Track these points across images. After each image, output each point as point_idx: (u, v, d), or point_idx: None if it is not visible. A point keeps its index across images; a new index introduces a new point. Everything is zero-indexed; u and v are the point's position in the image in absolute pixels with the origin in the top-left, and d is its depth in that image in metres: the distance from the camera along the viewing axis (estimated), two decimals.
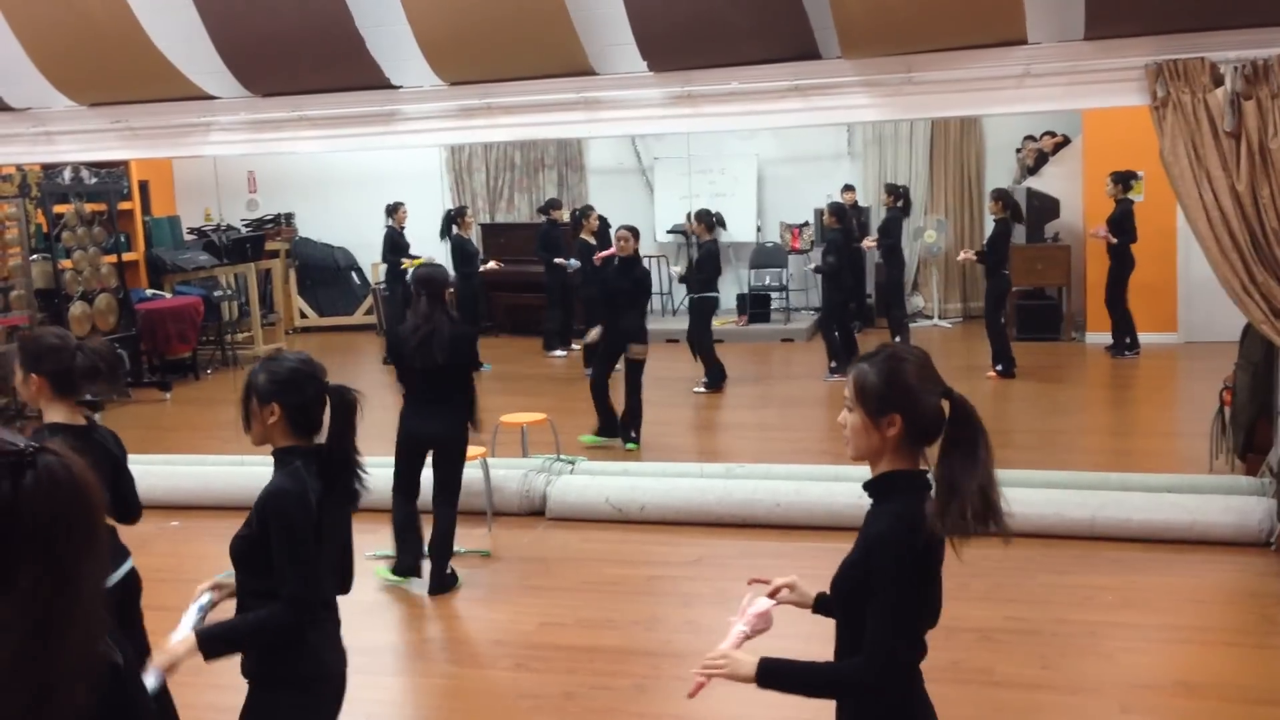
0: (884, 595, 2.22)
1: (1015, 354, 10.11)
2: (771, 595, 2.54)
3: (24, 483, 1.39)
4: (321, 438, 2.91)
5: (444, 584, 5.61)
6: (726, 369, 9.99)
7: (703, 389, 9.83)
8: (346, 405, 2.86)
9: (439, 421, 5.52)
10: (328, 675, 2.86)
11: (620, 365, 8.08)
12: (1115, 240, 10.35)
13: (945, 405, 2.32)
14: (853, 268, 11.10)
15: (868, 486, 2.36)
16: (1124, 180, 10.34)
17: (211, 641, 2.72)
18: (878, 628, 2.23)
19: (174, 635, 2.72)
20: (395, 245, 11.71)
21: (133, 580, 3.62)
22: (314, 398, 2.85)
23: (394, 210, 11.84)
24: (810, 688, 2.38)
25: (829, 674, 2.32)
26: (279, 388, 2.84)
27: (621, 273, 8.12)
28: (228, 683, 2.96)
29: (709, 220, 10.27)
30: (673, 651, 4.86)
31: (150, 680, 2.28)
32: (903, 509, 2.26)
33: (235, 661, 2.82)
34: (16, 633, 1.38)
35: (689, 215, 10.62)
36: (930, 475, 2.32)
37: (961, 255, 10.91)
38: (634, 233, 8.18)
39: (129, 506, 3.61)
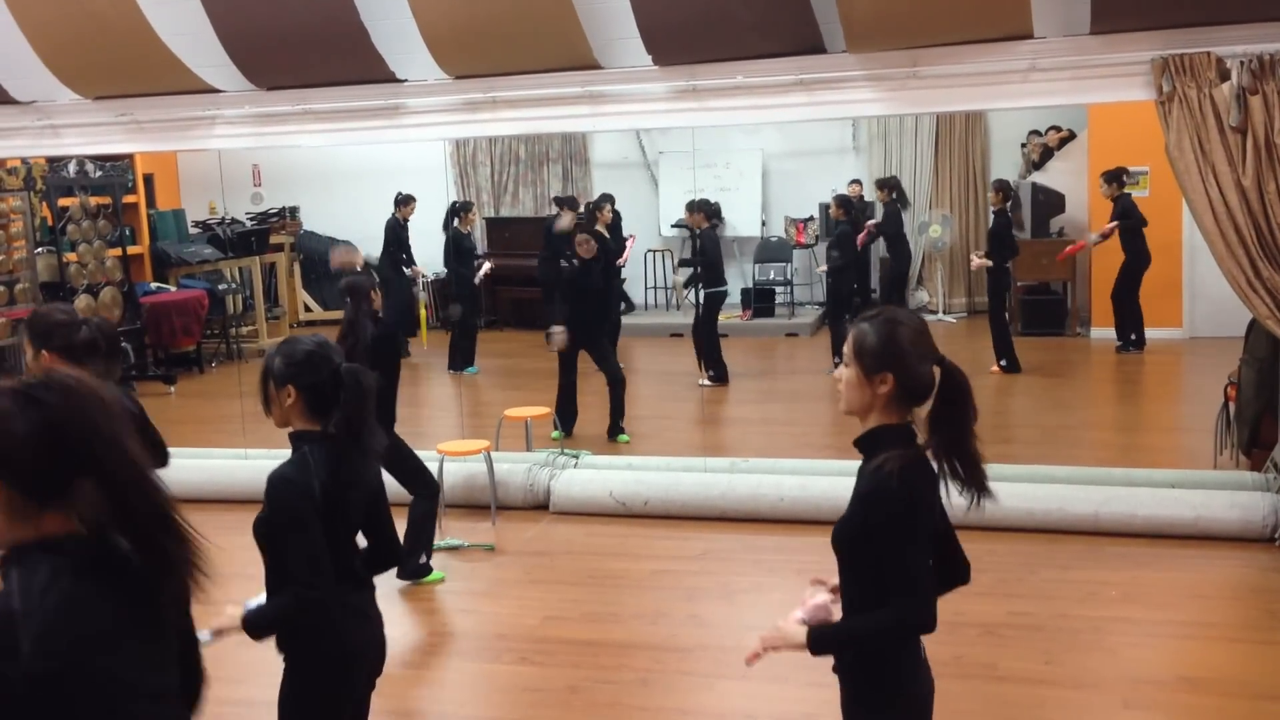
0: (891, 549, 2.34)
1: (1020, 349, 10.09)
2: (831, 592, 2.59)
3: (49, 402, 1.62)
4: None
5: (414, 572, 5.63)
6: (729, 365, 9.98)
7: (709, 382, 9.84)
8: (360, 387, 2.87)
9: None
10: (352, 653, 2.89)
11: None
12: (1110, 230, 10.36)
13: (937, 372, 2.43)
14: (858, 261, 11.09)
15: (858, 442, 2.48)
16: (1115, 178, 10.33)
17: (251, 627, 2.83)
18: (898, 576, 2.35)
19: None
20: (395, 237, 11.71)
21: None
22: (329, 379, 2.87)
23: (403, 202, 11.83)
24: (859, 641, 2.46)
25: (871, 626, 2.41)
26: (295, 370, 2.87)
27: (583, 273, 8.20)
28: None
29: (707, 209, 10.25)
30: (676, 646, 4.87)
31: (203, 636, 2.35)
32: (885, 463, 2.35)
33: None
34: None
35: (687, 206, 10.57)
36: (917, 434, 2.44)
37: (975, 263, 10.57)
38: (595, 235, 8.25)
39: (159, 451, 3.64)
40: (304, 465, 2.81)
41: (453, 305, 10.97)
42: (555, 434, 8.06)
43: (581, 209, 12.25)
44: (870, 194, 13.28)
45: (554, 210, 12.23)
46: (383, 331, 5.56)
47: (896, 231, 11.49)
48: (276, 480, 2.81)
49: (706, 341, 9.89)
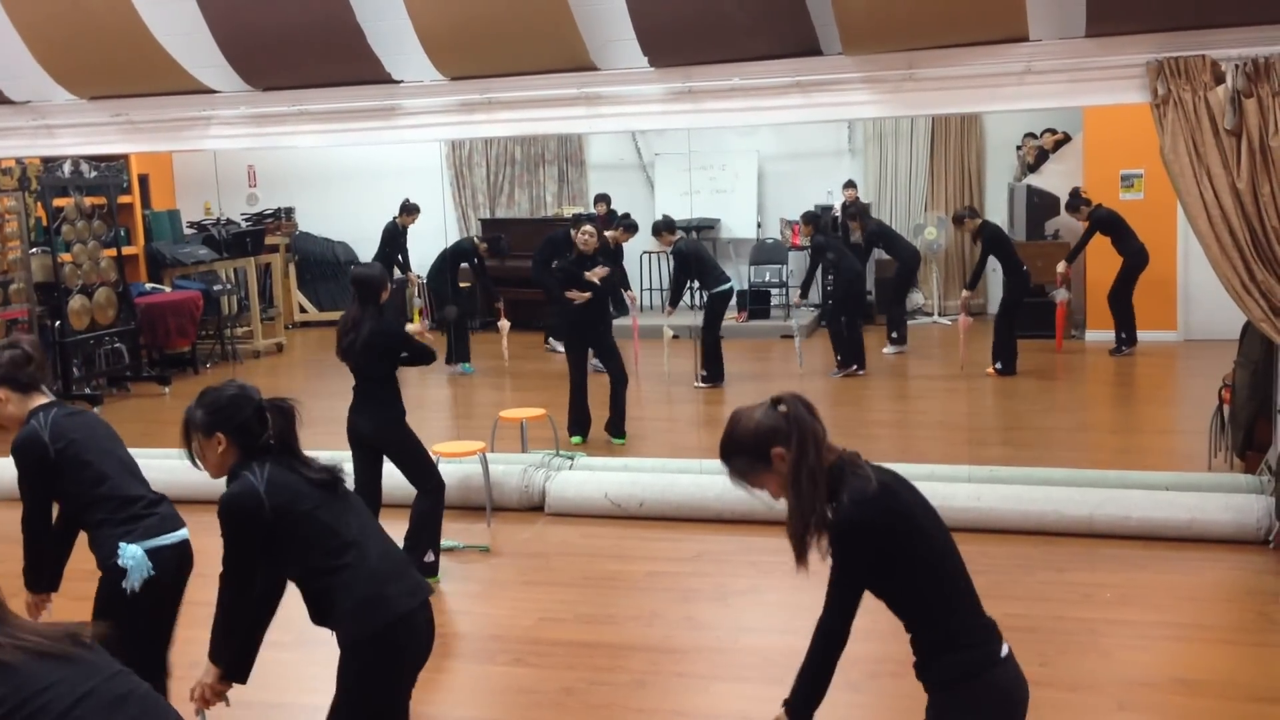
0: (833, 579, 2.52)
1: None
2: None
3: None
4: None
5: (421, 570, 5.60)
6: (726, 366, 9.98)
7: (703, 384, 9.84)
8: (285, 414, 3.06)
9: (365, 416, 5.55)
10: (373, 634, 2.96)
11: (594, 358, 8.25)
12: (1065, 274, 10.67)
13: (782, 409, 2.53)
14: (850, 265, 11.10)
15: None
16: (1075, 206, 10.48)
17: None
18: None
19: None
20: (392, 240, 11.70)
21: (185, 551, 3.66)
22: (254, 417, 3.04)
23: (407, 211, 11.84)
24: (814, 672, 2.57)
25: (813, 654, 2.56)
26: (219, 416, 3.03)
27: (584, 268, 8.23)
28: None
29: (669, 225, 10.24)
30: (672, 647, 4.87)
31: None
32: (835, 511, 2.49)
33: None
34: None
35: (652, 231, 10.47)
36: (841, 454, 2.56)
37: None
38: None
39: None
40: (245, 482, 2.99)
41: (448, 307, 10.96)
42: (575, 439, 8.03)
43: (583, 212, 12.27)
44: (869, 194, 13.32)
45: (559, 214, 12.14)
46: (383, 327, 5.56)
47: (889, 240, 11.43)
48: (222, 502, 3.00)
49: (708, 342, 9.89)
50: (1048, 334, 11.45)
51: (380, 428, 5.54)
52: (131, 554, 3.48)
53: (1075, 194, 10.52)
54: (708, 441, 8.40)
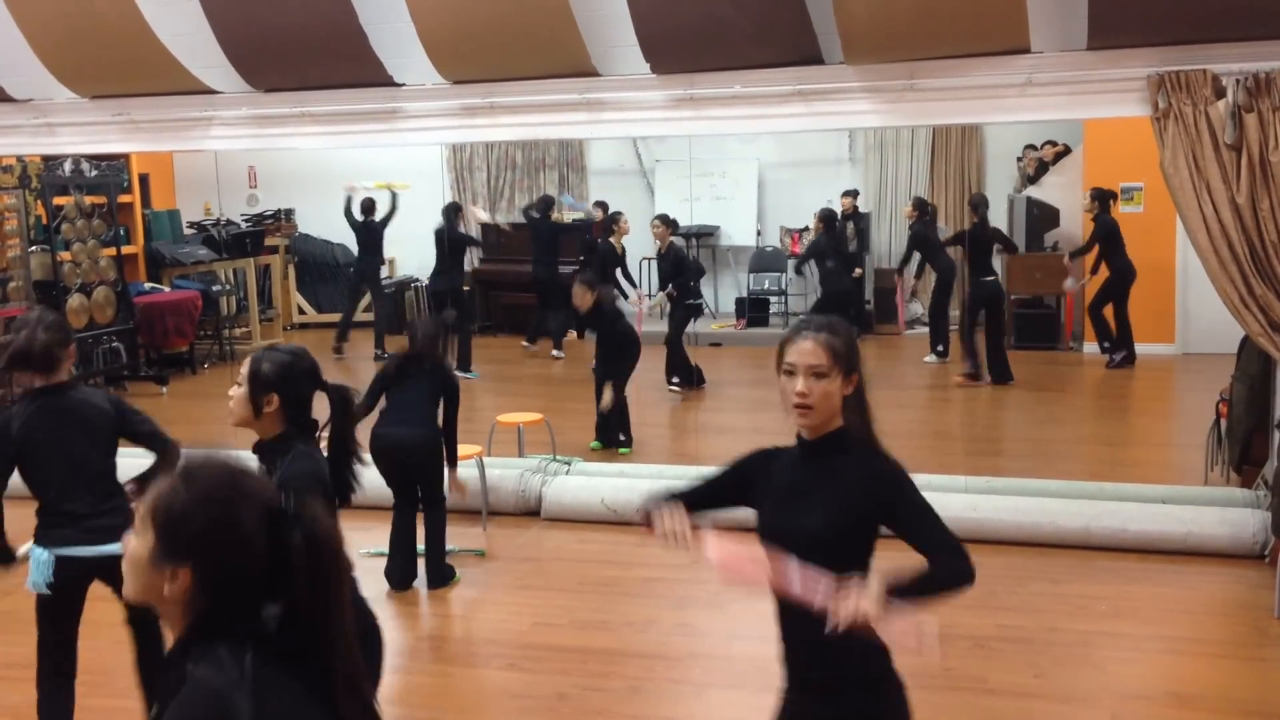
0: (924, 510, 2.45)
1: (1013, 362, 10.11)
2: None
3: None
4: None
5: (446, 577, 5.71)
6: (721, 374, 9.97)
7: (676, 388, 9.83)
8: (344, 402, 3.03)
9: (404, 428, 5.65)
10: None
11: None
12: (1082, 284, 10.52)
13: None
14: (845, 272, 11.11)
15: (824, 444, 2.50)
16: (1102, 198, 10.36)
17: None
18: (936, 531, 2.45)
19: None
20: (364, 232, 11.78)
21: (105, 565, 3.66)
22: (310, 392, 3.03)
23: (367, 207, 11.89)
24: (933, 593, 2.44)
25: (939, 578, 2.44)
26: (281, 378, 3.00)
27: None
28: None
29: (673, 223, 10.26)
30: (666, 654, 4.86)
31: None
32: (879, 448, 2.50)
33: None
34: None
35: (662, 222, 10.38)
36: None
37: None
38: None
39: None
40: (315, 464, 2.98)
41: (447, 311, 10.95)
42: (624, 450, 8.02)
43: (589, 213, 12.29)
44: (869, 204, 13.31)
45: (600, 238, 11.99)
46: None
47: (931, 251, 11.26)
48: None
49: (679, 349, 9.86)
50: (1045, 345, 11.47)
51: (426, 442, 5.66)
52: (37, 556, 3.57)
53: (1109, 193, 10.45)
54: (704, 449, 8.41)
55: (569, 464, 7.06)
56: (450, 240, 11.30)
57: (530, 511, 6.71)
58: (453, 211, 11.53)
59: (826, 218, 10.79)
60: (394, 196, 12.08)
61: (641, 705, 4.45)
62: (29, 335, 3.65)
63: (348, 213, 11.94)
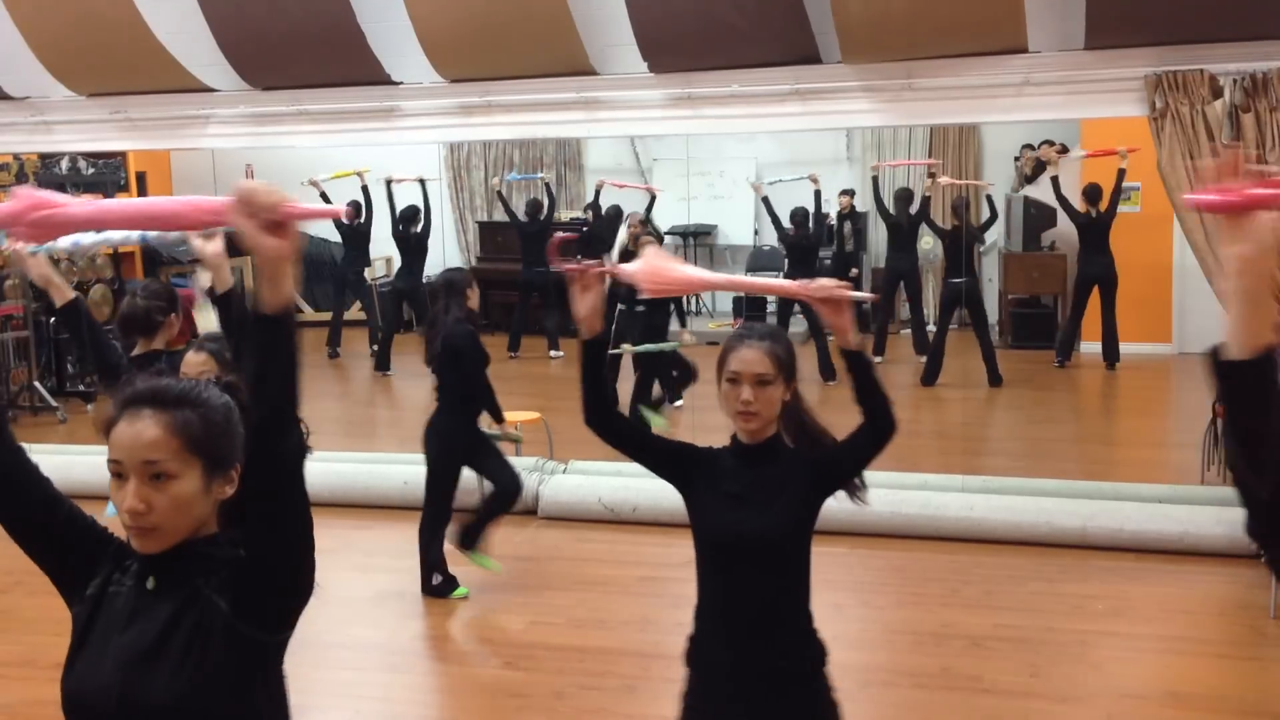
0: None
1: (1010, 362, 10.12)
2: None
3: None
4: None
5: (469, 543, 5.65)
6: (710, 371, 9.91)
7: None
8: None
9: (430, 428, 5.58)
10: None
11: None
12: None
13: None
14: (839, 273, 11.08)
15: (761, 449, 2.62)
16: (1091, 196, 10.36)
17: None
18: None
19: None
20: (349, 231, 11.70)
21: None
22: None
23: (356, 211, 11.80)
24: (879, 386, 2.59)
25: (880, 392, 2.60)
26: None
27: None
28: None
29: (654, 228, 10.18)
30: (663, 653, 4.85)
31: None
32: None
33: None
34: None
35: (636, 225, 10.05)
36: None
37: None
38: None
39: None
40: None
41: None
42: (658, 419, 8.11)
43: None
44: (866, 204, 13.29)
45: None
46: (460, 329, 5.46)
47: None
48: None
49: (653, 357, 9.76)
50: (1042, 344, 11.46)
51: (435, 444, 5.59)
52: (110, 514, 3.67)
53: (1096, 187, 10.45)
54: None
55: (565, 463, 7.05)
56: (409, 237, 11.36)
57: (527, 511, 6.70)
58: (411, 213, 11.56)
59: (798, 219, 10.66)
60: (384, 188, 11.97)
61: (638, 704, 4.45)
62: (130, 300, 3.92)
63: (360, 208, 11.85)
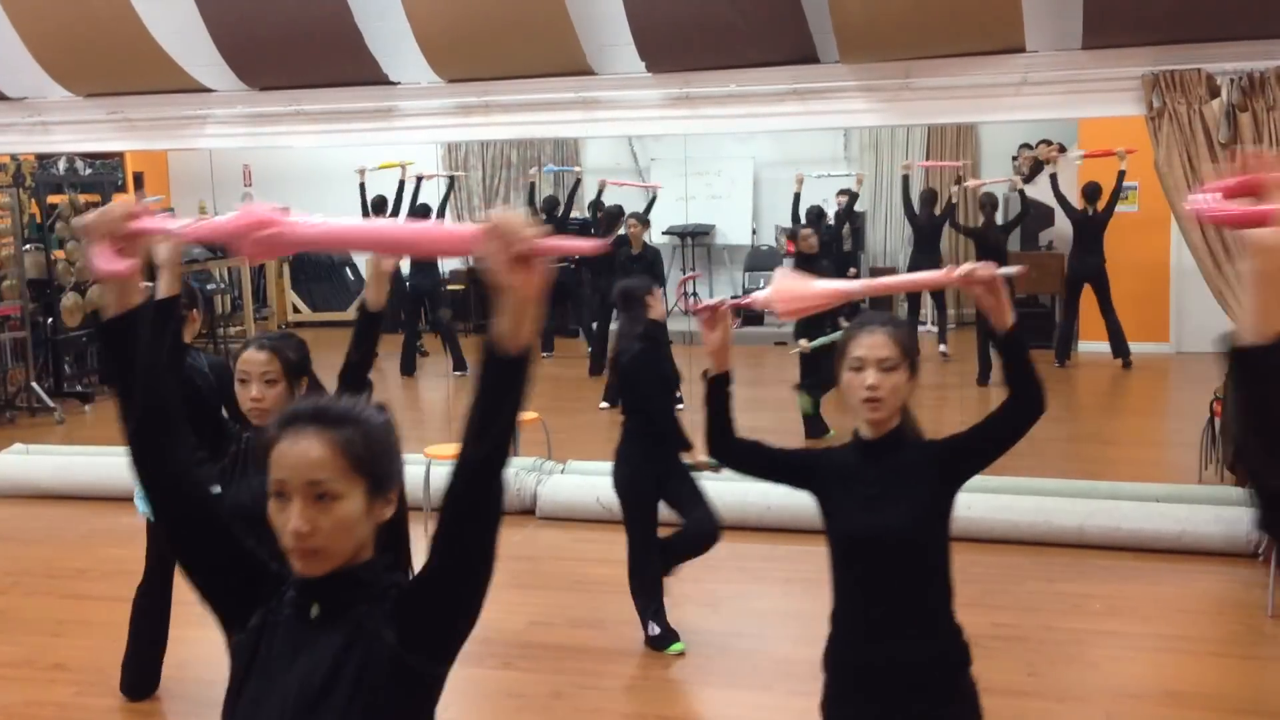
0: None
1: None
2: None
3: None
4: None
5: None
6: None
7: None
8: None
9: (616, 459, 4.97)
10: None
11: None
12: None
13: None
14: (837, 270, 11.08)
15: (885, 443, 2.52)
16: (1090, 194, 10.35)
17: None
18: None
19: None
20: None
21: None
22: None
23: (378, 205, 11.81)
24: (1034, 367, 2.66)
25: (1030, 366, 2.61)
26: (307, 362, 3.23)
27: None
28: None
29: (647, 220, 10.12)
30: (661, 652, 4.86)
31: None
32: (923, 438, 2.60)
33: None
34: None
35: (633, 219, 10.08)
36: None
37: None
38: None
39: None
40: None
41: (442, 310, 10.96)
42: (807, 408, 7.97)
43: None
44: (864, 202, 13.31)
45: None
46: (631, 350, 4.85)
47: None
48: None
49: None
50: (1040, 344, 11.47)
51: (622, 474, 4.98)
52: (140, 494, 3.75)
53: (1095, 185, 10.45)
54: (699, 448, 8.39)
55: (564, 463, 7.05)
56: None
57: (525, 510, 6.71)
58: (424, 210, 11.57)
59: (813, 217, 10.74)
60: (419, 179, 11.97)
61: (637, 703, 4.45)
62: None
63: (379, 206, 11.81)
